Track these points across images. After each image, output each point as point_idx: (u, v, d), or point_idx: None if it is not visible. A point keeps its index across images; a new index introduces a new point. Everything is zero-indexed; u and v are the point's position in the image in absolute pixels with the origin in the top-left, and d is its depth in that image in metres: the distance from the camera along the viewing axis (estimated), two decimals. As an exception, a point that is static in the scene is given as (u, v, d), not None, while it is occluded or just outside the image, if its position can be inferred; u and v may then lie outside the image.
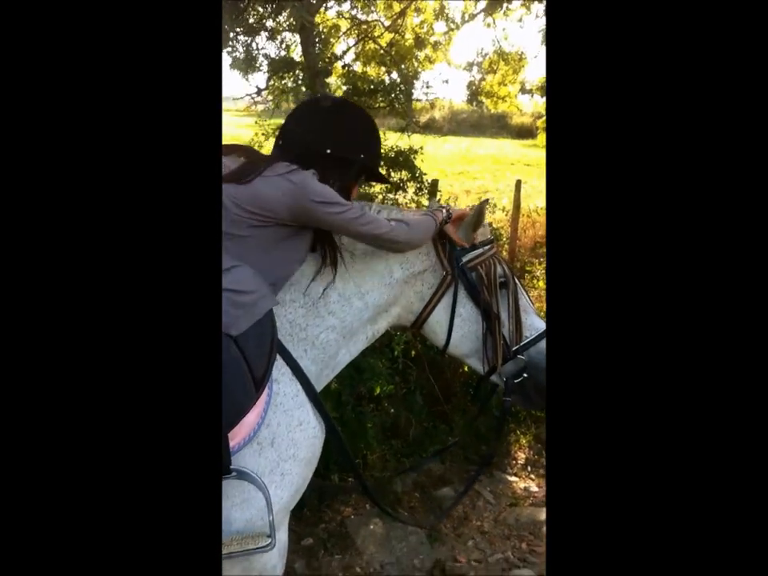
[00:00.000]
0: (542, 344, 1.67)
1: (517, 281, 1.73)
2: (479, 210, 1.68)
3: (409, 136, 4.57)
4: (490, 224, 4.21)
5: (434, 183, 4.43)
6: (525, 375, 1.66)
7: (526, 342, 1.67)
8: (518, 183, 6.19)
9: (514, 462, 3.52)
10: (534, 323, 1.70)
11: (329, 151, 1.46)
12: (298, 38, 5.03)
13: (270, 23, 5.33)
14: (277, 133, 1.59)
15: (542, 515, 2.98)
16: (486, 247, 1.71)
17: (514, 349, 1.66)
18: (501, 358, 1.65)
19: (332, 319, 1.54)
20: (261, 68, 5.20)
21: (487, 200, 1.86)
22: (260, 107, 5.78)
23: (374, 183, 4.07)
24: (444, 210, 1.67)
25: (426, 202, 4.13)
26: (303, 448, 1.37)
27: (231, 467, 1.23)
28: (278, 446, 1.33)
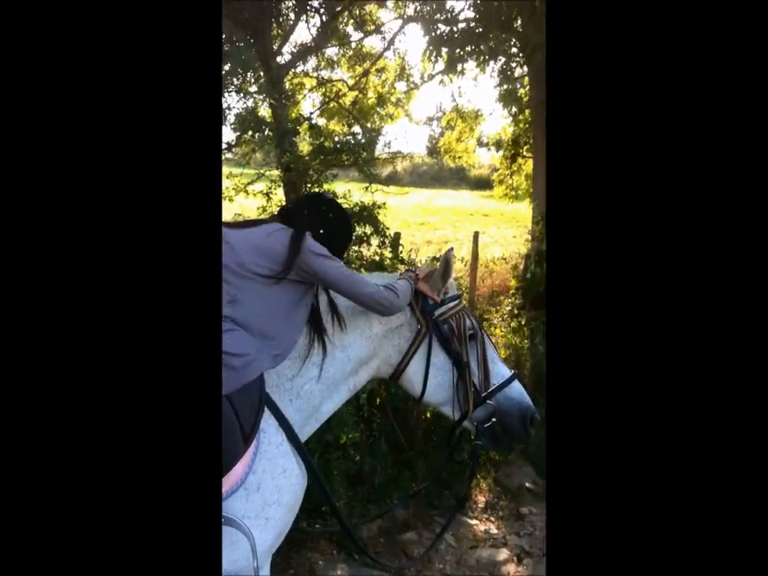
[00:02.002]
0: (508, 390, 1.84)
1: (484, 332, 1.90)
2: (446, 259, 1.85)
3: (372, 192, 4.79)
4: (455, 278, 4.43)
5: (396, 236, 4.66)
6: (493, 419, 1.81)
7: (493, 388, 1.82)
8: (476, 235, 6.47)
9: (475, 505, 3.65)
10: (501, 371, 1.87)
11: (321, 231, 1.67)
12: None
13: (238, 83, 5.58)
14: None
15: (501, 555, 3.11)
16: (455, 302, 1.89)
17: (483, 395, 1.81)
18: (472, 404, 1.80)
19: (315, 370, 1.67)
20: (231, 125, 5.41)
21: (452, 248, 1.99)
22: (229, 161, 6.00)
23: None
24: (414, 274, 1.85)
25: (389, 254, 4.32)
26: (287, 494, 1.49)
27: (222, 515, 1.33)
28: (263, 492, 1.43)
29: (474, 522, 3.47)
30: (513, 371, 1.90)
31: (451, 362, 1.81)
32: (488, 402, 1.82)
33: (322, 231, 1.68)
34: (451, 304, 1.87)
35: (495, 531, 3.40)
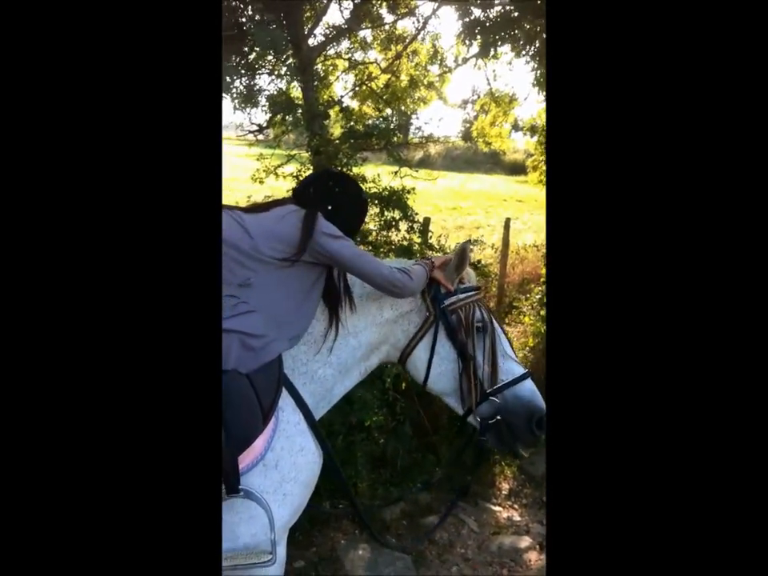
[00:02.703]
0: (518, 389, 1.76)
1: (497, 327, 1.84)
2: (460, 252, 1.82)
3: (401, 177, 4.76)
4: (481, 264, 4.40)
5: (426, 221, 4.63)
6: (498, 417, 1.75)
7: (501, 384, 1.76)
8: (507, 221, 6.41)
9: (498, 492, 3.65)
10: (512, 368, 1.80)
11: (330, 207, 1.67)
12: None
13: (269, 65, 5.57)
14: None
15: (523, 543, 3.11)
16: (470, 293, 1.85)
17: (489, 391, 1.76)
18: (474, 399, 1.76)
19: (330, 356, 1.71)
20: (262, 107, 5.41)
21: (469, 240, 1.97)
22: (261, 142, 6.01)
23: (366, 220, 4.27)
24: (430, 262, 1.82)
25: (417, 240, 4.30)
26: (304, 471, 1.52)
27: (240, 487, 1.37)
28: (281, 469, 1.47)
29: (497, 508, 3.47)
30: (526, 370, 1.83)
31: (456, 353, 1.78)
32: (493, 398, 1.76)
33: (330, 208, 1.68)
34: (463, 295, 1.83)
35: (518, 519, 3.39)
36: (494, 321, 1.85)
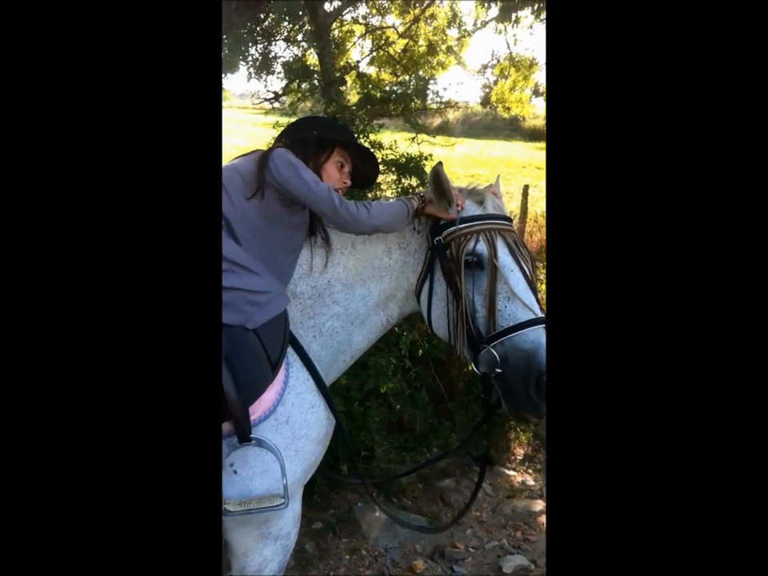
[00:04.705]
0: (518, 338, 1.47)
1: (507, 263, 1.53)
2: (433, 176, 1.59)
3: (418, 144, 4.73)
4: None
5: (443, 189, 4.61)
6: (497, 371, 1.47)
7: (499, 331, 1.49)
8: (526, 188, 6.36)
9: (513, 457, 3.69)
10: (516, 314, 1.49)
11: (287, 142, 1.68)
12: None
13: (285, 31, 5.53)
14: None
15: (537, 507, 3.16)
16: (475, 222, 1.58)
17: (487, 338, 1.50)
18: (460, 346, 1.56)
19: (336, 308, 1.67)
20: (278, 74, 5.39)
21: (440, 162, 1.62)
22: (277, 110, 5.99)
23: (383, 188, 4.26)
24: (417, 197, 1.65)
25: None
26: (315, 428, 1.55)
27: (252, 436, 1.42)
28: (292, 425, 1.50)
29: (511, 473, 3.52)
30: (536, 315, 1.47)
31: (452, 293, 1.56)
32: (488, 347, 1.49)
33: (284, 139, 1.70)
34: (463, 225, 1.58)
35: (532, 483, 3.44)
36: (500, 256, 1.53)
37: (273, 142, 1.82)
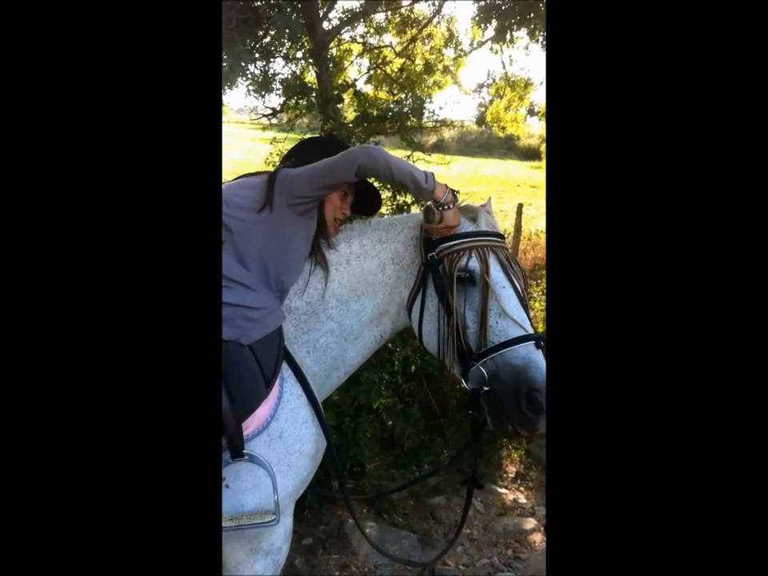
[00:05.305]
0: (509, 354, 1.47)
1: (499, 280, 1.54)
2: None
3: (414, 161, 4.77)
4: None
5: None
6: (486, 388, 1.49)
7: (490, 347, 1.49)
8: (520, 207, 6.41)
9: (505, 474, 3.69)
10: (507, 330, 1.50)
11: (293, 160, 1.73)
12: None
13: (284, 49, 5.59)
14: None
15: (529, 524, 3.16)
16: (468, 239, 1.58)
17: (477, 354, 1.51)
18: (451, 362, 1.57)
19: (330, 323, 1.68)
20: (276, 91, 5.43)
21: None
22: (275, 126, 6.04)
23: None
24: (447, 189, 1.57)
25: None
26: (308, 443, 1.55)
27: (244, 451, 1.42)
28: (285, 440, 1.51)
29: (503, 490, 3.52)
30: (528, 332, 1.49)
31: (444, 309, 1.56)
32: (478, 364, 1.50)
33: (293, 159, 1.73)
34: (457, 241, 1.58)
35: (524, 501, 3.44)
36: (493, 273, 1.54)
37: (280, 161, 1.83)
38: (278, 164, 1.80)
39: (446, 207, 1.56)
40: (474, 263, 1.55)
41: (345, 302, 1.69)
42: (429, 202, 1.58)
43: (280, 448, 1.50)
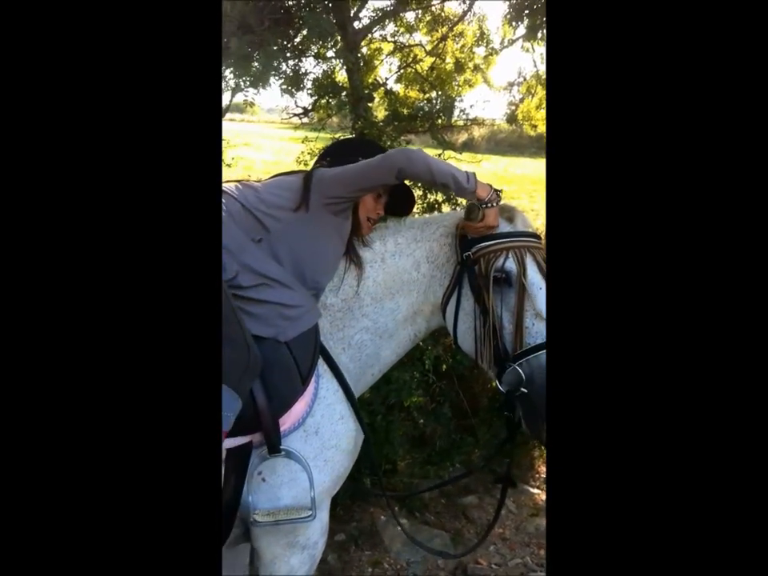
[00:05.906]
0: (545, 356, 1.46)
1: (535, 281, 1.52)
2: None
3: (445, 160, 4.76)
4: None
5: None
6: (522, 390, 1.48)
7: (527, 348, 1.49)
8: (552, 205, 6.32)
9: (537, 475, 3.66)
10: (543, 332, 1.48)
11: (328, 159, 1.77)
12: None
13: (315, 48, 5.61)
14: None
15: (561, 525, 3.13)
16: (505, 239, 1.57)
17: (513, 356, 1.50)
18: (488, 363, 1.56)
19: (365, 321, 1.69)
20: (308, 90, 5.46)
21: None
22: (305, 125, 6.07)
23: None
24: (492, 189, 1.56)
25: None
26: (344, 439, 1.57)
27: (281, 447, 1.45)
28: (321, 435, 1.53)
29: (535, 491, 3.49)
30: None
31: (479, 309, 1.56)
32: (514, 365, 1.49)
33: (328, 159, 1.75)
34: (494, 241, 1.57)
35: (556, 501, 3.40)
36: (530, 274, 1.53)
37: (315, 161, 1.85)
38: (310, 163, 1.81)
39: (489, 205, 1.55)
40: (511, 264, 1.54)
41: (379, 300, 1.69)
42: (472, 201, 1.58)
43: (316, 443, 1.51)
